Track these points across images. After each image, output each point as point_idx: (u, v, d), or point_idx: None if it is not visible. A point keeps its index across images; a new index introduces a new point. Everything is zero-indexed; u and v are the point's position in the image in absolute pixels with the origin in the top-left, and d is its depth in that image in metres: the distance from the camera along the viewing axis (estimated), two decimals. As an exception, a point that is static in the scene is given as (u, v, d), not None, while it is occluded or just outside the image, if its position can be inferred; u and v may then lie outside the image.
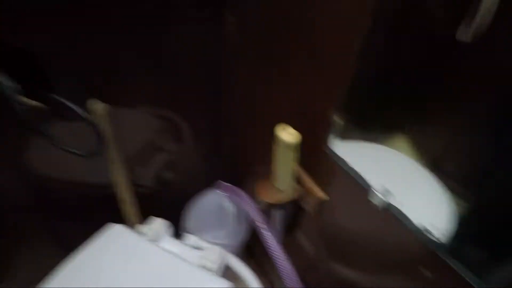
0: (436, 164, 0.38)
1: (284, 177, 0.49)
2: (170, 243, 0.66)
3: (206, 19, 0.62)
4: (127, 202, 0.77)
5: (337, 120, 0.43)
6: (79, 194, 0.80)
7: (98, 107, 0.59)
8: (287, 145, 0.45)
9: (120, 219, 0.76)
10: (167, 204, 0.86)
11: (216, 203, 0.72)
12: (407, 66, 0.38)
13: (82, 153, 0.63)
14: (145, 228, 0.69)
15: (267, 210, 0.61)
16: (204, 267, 0.60)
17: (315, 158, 0.48)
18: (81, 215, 0.82)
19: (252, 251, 0.82)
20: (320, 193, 0.49)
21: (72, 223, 0.81)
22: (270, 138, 0.48)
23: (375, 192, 0.40)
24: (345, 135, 0.44)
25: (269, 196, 0.51)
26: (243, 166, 0.80)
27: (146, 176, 0.83)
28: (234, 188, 0.78)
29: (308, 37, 0.45)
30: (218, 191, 0.73)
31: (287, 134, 0.45)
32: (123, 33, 0.57)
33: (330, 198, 0.49)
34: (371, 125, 0.44)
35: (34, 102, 0.57)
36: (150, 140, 0.78)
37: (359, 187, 0.42)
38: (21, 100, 0.56)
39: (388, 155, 0.43)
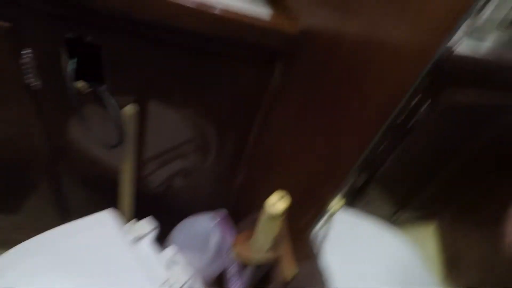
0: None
1: (262, 243, 0.50)
2: (146, 247, 0.70)
3: (257, 68, 0.67)
4: (127, 198, 0.82)
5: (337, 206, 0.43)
6: (92, 172, 0.87)
7: (129, 108, 0.66)
8: (271, 216, 0.47)
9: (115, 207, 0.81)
10: (165, 209, 0.90)
11: (205, 228, 0.75)
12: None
13: (103, 144, 0.70)
14: (132, 225, 0.74)
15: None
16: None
17: (298, 237, 0.49)
18: (88, 190, 0.88)
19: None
20: (291, 269, 0.49)
21: (77, 195, 0.88)
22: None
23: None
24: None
25: (243, 253, 0.52)
26: (245, 206, 0.82)
27: (158, 176, 0.88)
28: (228, 223, 0.80)
29: (337, 119, 0.46)
30: (213, 218, 0.76)
31: (276, 205, 0.46)
32: (178, 58, 0.63)
33: (297, 279, 0.49)
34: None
35: (85, 87, 0.65)
36: (177, 145, 0.84)
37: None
38: (76, 84, 0.63)
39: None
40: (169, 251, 0.74)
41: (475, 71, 0.43)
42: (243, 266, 0.68)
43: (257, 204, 0.75)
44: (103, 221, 0.70)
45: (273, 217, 0.47)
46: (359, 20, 0.44)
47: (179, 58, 0.63)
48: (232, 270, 0.69)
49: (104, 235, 0.67)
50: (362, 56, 0.43)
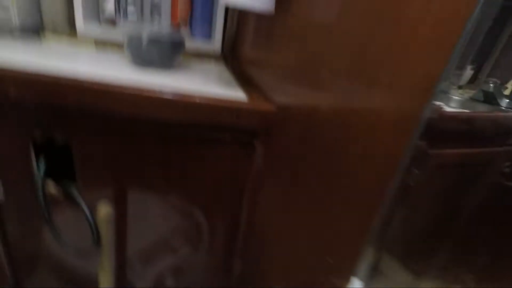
0: None
1: None
2: None
3: (239, 150, 0.65)
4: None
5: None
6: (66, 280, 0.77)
7: (103, 210, 0.61)
8: None
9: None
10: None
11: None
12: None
13: (77, 250, 0.63)
14: None
15: None
16: None
17: None
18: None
19: None
20: None
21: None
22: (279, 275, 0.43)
23: None
24: None
25: None
26: None
27: (146, 276, 0.79)
28: None
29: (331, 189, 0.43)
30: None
31: None
32: (155, 148, 0.61)
33: None
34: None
35: (54, 188, 0.60)
36: (164, 238, 0.76)
37: None
38: (45, 185, 0.59)
39: None
40: None
41: (465, 127, 0.43)
42: None
43: None
44: None
45: None
46: (332, 94, 0.44)
47: (158, 148, 0.61)
48: None
49: None
50: (341, 127, 0.42)
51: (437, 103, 0.32)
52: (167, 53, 0.71)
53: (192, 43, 0.92)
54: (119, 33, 0.86)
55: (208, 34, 0.94)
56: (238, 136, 0.64)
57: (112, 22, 0.88)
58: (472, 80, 0.99)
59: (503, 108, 0.83)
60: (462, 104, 0.83)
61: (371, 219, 0.38)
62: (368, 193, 0.38)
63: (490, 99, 0.85)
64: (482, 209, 0.51)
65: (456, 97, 0.85)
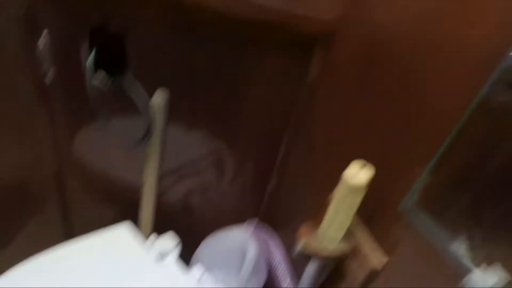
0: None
1: (336, 229, 0.41)
2: (172, 266, 0.59)
3: (295, 57, 0.61)
4: (147, 210, 0.72)
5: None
6: (104, 188, 0.78)
7: (160, 98, 0.58)
8: (353, 189, 0.38)
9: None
10: (186, 229, 0.80)
11: (237, 243, 0.65)
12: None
13: (126, 142, 0.61)
14: (155, 242, 0.63)
15: (298, 263, 0.53)
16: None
17: (383, 217, 0.41)
18: (96, 209, 0.78)
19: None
20: (375, 261, 0.41)
21: (83, 213, 0.78)
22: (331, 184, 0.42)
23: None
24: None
25: (311, 244, 0.43)
26: (280, 214, 0.73)
27: (173, 193, 0.79)
28: (266, 229, 0.70)
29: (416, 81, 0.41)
30: (245, 231, 0.66)
31: (359, 175, 0.38)
32: (211, 47, 0.57)
33: (388, 272, 0.40)
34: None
35: (105, 79, 0.57)
36: (192, 160, 0.76)
37: (447, 268, 0.33)
38: (96, 75, 0.57)
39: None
40: (197, 270, 0.63)
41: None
42: (297, 271, 0.58)
43: (297, 208, 0.67)
44: (121, 237, 0.60)
45: (355, 191, 0.38)
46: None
47: (214, 48, 0.58)
48: (284, 272, 0.59)
49: (124, 252, 0.57)
50: (419, 50, 0.40)
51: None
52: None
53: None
54: None
55: None
56: (296, 42, 0.59)
57: None
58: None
59: None
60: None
61: (436, 148, 0.37)
62: (438, 120, 0.37)
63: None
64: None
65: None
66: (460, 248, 0.34)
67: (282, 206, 0.71)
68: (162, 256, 0.60)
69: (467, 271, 0.32)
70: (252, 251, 0.61)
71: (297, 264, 0.58)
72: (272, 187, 0.74)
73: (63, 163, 0.71)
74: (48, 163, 0.70)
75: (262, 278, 0.62)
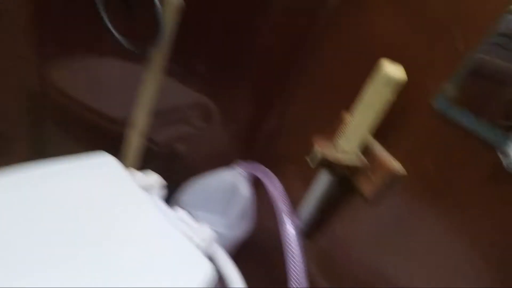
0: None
1: (358, 130, 0.37)
2: (158, 202, 0.54)
3: None
4: (133, 146, 0.66)
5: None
6: (88, 121, 0.71)
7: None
8: (389, 81, 0.34)
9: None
10: (171, 174, 0.75)
11: (228, 183, 0.60)
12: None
13: (130, 46, 0.54)
14: (138, 174, 0.58)
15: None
16: (190, 240, 0.47)
17: (414, 114, 0.37)
18: (79, 141, 0.72)
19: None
20: (394, 165, 0.38)
21: (67, 143, 0.71)
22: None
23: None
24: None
25: (328, 151, 0.39)
26: (278, 155, 0.68)
27: (161, 136, 0.74)
28: (262, 167, 0.65)
29: None
30: (237, 171, 0.61)
31: (394, 69, 0.34)
32: None
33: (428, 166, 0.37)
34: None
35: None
36: (180, 106, 0.70)
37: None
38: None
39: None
40: (181, 212, 0.58)
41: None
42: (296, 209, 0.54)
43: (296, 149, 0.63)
44: (101, 163, 0.54)
45: (390, 84, 0.34)
46: None
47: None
48: (284, 208, 0.54)
49: (105, 176, 0.51)
50: None
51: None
52: None
53: None
54: None
55: None
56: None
57: None
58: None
59: None
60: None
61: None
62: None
63: None
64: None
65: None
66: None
67: (280, 146, 0.66)
68: (145, 189, 0.55)
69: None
70: (243, 191, 0.56)
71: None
72: (273, 125, 0.69)
73: (43, 85, 0.64)
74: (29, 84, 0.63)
75: (248, 226, 0.57)
